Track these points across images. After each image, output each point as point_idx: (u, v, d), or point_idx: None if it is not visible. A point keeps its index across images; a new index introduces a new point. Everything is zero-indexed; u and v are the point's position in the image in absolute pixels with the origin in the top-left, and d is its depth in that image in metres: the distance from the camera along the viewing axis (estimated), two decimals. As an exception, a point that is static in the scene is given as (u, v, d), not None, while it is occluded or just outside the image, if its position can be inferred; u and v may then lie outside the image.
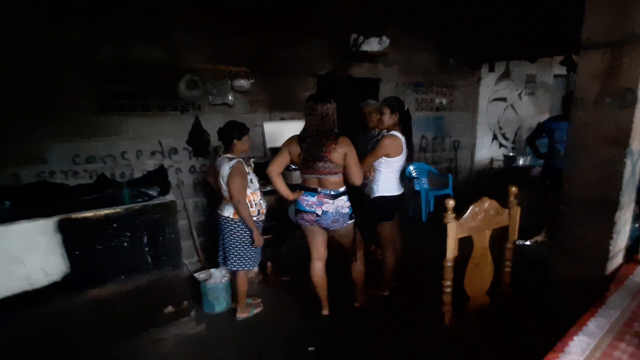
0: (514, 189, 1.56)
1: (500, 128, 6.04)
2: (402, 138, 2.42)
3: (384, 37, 3.88)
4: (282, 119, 3.69)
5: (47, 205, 1.97)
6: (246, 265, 2.44)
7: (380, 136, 2.65)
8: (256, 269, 3.01)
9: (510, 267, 1.63)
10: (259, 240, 2.36)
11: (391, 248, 2.55)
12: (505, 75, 5.82)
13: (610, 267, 1.37)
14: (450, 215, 1.39)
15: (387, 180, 2.44)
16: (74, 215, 1.98)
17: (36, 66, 2.49)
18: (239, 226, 2.36)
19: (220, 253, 2.50)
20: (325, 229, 2.26)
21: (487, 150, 5.97)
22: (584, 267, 1.40)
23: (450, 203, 1.39)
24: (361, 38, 3.79)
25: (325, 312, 2.46)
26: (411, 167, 4.77)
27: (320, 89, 3.93)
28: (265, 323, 2.48)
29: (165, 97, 3.02)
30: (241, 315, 2.56)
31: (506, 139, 6.17)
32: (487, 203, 1.49)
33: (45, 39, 2.48)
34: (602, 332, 0.99)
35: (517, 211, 1.56)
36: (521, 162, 4.91)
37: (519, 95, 6.16)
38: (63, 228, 1.95)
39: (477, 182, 5.61)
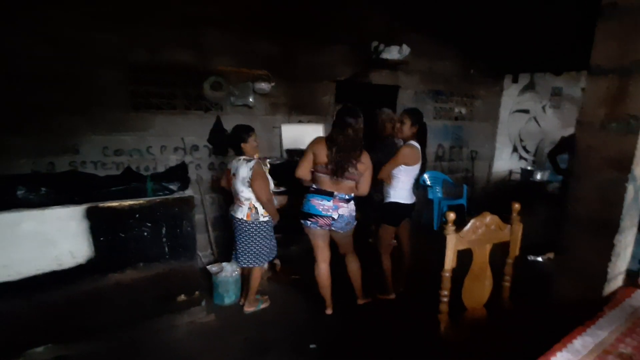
0: (516, 206, 1.59)
1: (522, 140, 5.94)
2: (419, 148, 2.48)
3: (404, 46, 3.92)
4: (300, 121, 3.79)
5: (78, 193, 2.14)
6: (258, 262, 2.56)
7: (397, 145, 2.75)
8: (266, 265, 3.13)
9: (510, 282, 1.66)
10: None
11: (388, 252, 2.62)
12: (530, 87, 5.72)
13: (608, 289, 1.39)
14: (450, 228, 1.44)
15: (402, 188, 2.51)
16: (101, 204, 2.14)
17: (77, 65, 2.69)
18: (252, 227, 2.47)
19: (234, 250, 2.62)
20: (333, 231, 2.34)
21: (506, 162, 5.88)
22: (583, 287, 1.42)
23: (451, 216, 1.44)
24: (382, 46, 3.85)
25: (329, 311, 2.55)
26: (426, 176, 4.77)
27: (340, 94, 4.02)
28: (271, 318, 2.58)
29: (191, 97, 3.18)
30: (249, 308, 2.68)
31: (527, 151, 6.05)
32: (489, 218, 1.53)
33: (87, 41, 2.68)
34: (586, 351, 1.03)
35: (519, 228, 1.59)
36: (539, 176, 4.83)
37: (543, 108, 6.02)
38: (91, 215, 2.11)
39: (493, 194, 5.54)
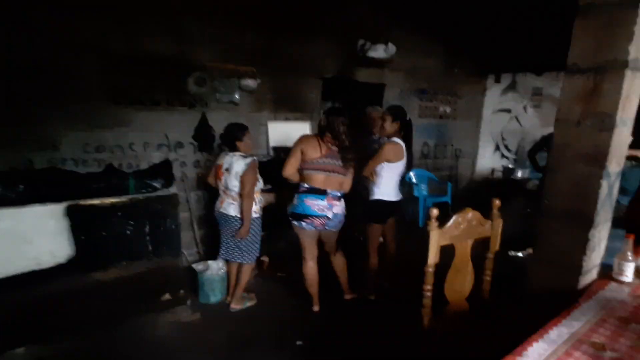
0: (497, 202, 1.63)
1: (503, 139, 6.07)
2: (403, 145, 2.50)
3: (390, 44, 3.95)
4: (286, 119, 3.78)
5: (57, 190, 2.08)
6: (250, 258, 2.55)
7: (381, 142, 2.76)
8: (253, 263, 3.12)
9: (491, 276, 1.70)
10: (246, 233, 2.44)
11: (376, 250, 2.64)
12: (511, 86, 5.84)
13: (583, 281, 1.44)
14: (433, 224, 1.47)
15: (386, 185, 2.53)
16: (81, 202, 2.10)
17: (54, 54, 2.59)
18: (236, 223, 2.45)
19: (222, 248, 2.60)
20: (324, 230, 2.35)
21: (488, 160, 6.01)
22: (558, 278, 1.47)
23: (434, 212, 1.47)
24: (368, 44, 3.87)
25: (316, 308, 2.56)
26: (411, 174, 4.83)
27: (326, 91, 4.02)
28: (258, 315, 2.58)
29: (174, 92, 3.12)
30: (235, 306, 2.66)
31: (508, 150, 6.18)
32: (470, 214, 1.57)
33: (64, 27, 2.58)
34: (561, 340, 1.07)
35: (499, 223, 1.63)
36: (520, 174, 4.95)
37: (524, 107, 6.16)
38: (71, 213, 2.06)
39: (476, 191, 5.66)
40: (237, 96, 3.36)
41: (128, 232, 2.25)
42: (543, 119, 6.14)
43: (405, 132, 2.52)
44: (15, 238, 1.93)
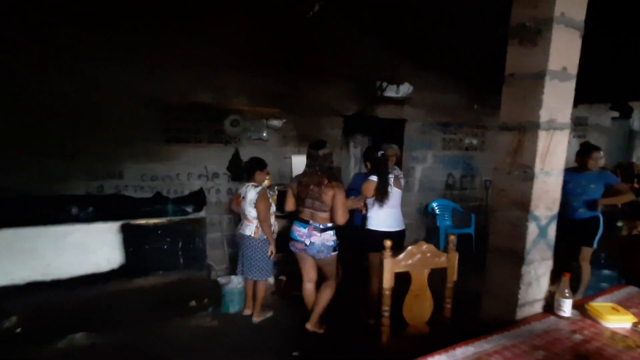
0: (452, 237, 1.85)
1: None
2: (375, 180, 2.76)
3: (407, 84, 4.27)
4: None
5: (116, 211, 2.71)
6: (263, 275, 2.96)
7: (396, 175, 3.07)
8: (271, 280, 3.52)
9: (451, 304, 1.89)
10: (274, 250, 2.88)
11: (376, 277, 2.86)
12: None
13: (521, 313, 1.59)
14: (387, 254, 1.75)
15: (374, 216, 2.81)
16: (132, 222, 2.69)
17: (124, 106, 3.36)
18: (258, 243, 2.89)
19: (239, 265, 3.05)
20: (313, 256, 2.67)
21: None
22: (500, 309, 1.64)
23: (388, 243, 1.75)
24: (385, 84, 4.23)
25: (308, 325, 2.80)
26: (434, 204, 4.95)
27: (347, 127, 4.43)
28: (267, 327, 2.95)
29: (213, 132, 3.76)
30: (257, 318, 3.05)
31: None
32: (425, 246, 1.81)
33: (127, 84, 3.33)
34: (462, 356, 1.28)
35: (454, 256, 1.84)
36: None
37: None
38: (124, 230, 2.67)
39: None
40: (264, 134, 3.92)
41: (165, 247, 2.80)
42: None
43: (380, 169, 2.75)
44: (83, 247, 2.57)
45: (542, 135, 1.47)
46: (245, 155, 3.87)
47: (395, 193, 2.83)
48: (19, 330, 2.48)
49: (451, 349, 1.32)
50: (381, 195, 2.69)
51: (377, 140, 4.61)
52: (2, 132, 2.94)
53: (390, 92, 4.24)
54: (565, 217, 3.35)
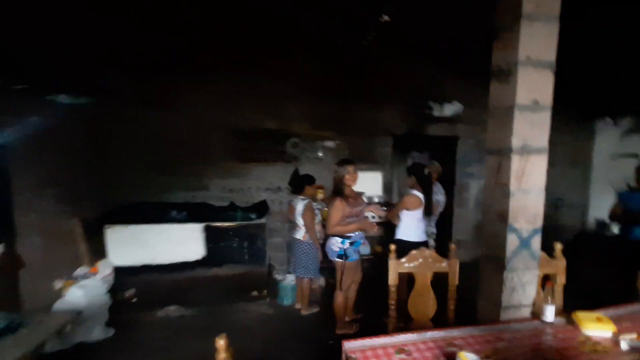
0: (453, 246, 2.12)
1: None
2: (421, 196, 3.06)
3: (456, 103, 4.43)
4: (361, 169, 4.65)
5: (201, 216, 3.55)
6: (308, 274, 3.49)
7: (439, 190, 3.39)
8: (322, 281, 4.02)
9: (454, 305, 2.13)
10: (320, 254, 3.39)
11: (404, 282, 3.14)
12: (637, 129, 5.13)
13: (506, 315, 1.79)
14: (391, 255, 2.11)
15: (406, 227, 3.11)
16: (212, 224, 3.50)
17: (208, 134, 4.30)
18: (305, 246, 3.45)
19: (291, 264, 3.63)
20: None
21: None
22: (489, 310, 1.86)
23: (392, 247, 2.12)
24: (434, 104, 4.46)
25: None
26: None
27: (397, 145, 4.75)
28: (313, 320, 3.44)
29: (278, 153, 4.49)
30: (304, 312, 3.59)
31: None
32: (427, 252, 2.12)
33: (211, 116, 4.26)
34: (429, 337, 1.58)
35: (455, 262, 2.10)
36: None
37: (663, 150, 5.24)
38: (206, 230, 3.48)
39: (586, 245, 5.04)
40: (320, 153, 4.50)
41: (234, 245, 3.53)
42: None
43: (424, 185, 3.04)
44: (178, 241, 3.44)
45: (516, 158, 1.70)
46: (304, 172, 4.51)
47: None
48: (135, 299, 3.43)
49: (423, 331, 1.64)
50: (427, 209, 2.99)
51: (431, 157, 4.81)
52: (131, 157, 4.09)
53: (439, 111, 4.45)
54: (623, 237, 3.16)
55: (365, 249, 4.00)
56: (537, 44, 1.64)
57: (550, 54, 1.67)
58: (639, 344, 1.50)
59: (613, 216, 3.45)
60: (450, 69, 4.55)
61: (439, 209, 3.51)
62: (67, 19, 3.27)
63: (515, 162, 1.71)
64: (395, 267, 2.11)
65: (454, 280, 2.13)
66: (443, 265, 2.12)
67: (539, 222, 1.79)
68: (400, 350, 1.49)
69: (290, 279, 3.78)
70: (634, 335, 1.55)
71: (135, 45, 3.76)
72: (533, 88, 1.67)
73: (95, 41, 3.54)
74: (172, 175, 4.26)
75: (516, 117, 1.68)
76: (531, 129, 1.70)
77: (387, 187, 4.80)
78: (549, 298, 1.73)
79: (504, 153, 1.75)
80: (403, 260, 2.11)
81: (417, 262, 2.11)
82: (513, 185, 1.72)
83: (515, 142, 1.69)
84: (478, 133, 4.84)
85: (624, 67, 4.41)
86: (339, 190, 2.98)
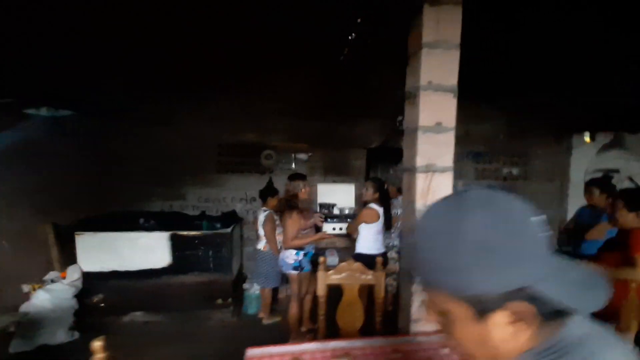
0: (379, 259, 2.18)
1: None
2: (379, 209, 3.14)
3: (427, 118, 4.50)
4: (334, 181, 4.77)
5: (169, 224, 3.69)
6: (268, 284, 3.58)
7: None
8: (289, 291, 4.10)
9: (381, 317, 2.19)
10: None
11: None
12: (615, 144, 5.12)
13: (415, 328, 1.85)
14: (321, 267, 2.20)
15: (364, 240, 3.18)
16: (178, 232, 3.63)
17: (189, 146, 4.48)
18: (266, 255, 3.55)
19: (254, 274, 3.73)
20: None
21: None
22: (404, 322, 1.92)
23: (321, 259, 2.20)
24: (401, 117, 4.54)
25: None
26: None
27: (371, 158, 4.84)
28: (272, 329, 3.52)
29: (253, 164, 4.64)
30: (266, 321, 3.67)
31: (623, 216, 5.21)
32: (355, 265, 2.19)
33: (192, 131, 4.45)
34: (331, 348, 1.66)
35: (381, 275, 2.15)
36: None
37: (645, 166, 5.20)
38: (172, 238, 3.61)
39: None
40: (293, 165, 4.63)
41: (200, 253, 3.65)
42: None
43: (382, 199, 3.13)
44: (146, 249, 3.58)
45: (421, 177, 1.79)
46: (277, 183, 4.63)
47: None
48: (102, 304, 3.57)
49: (326, 341, 1.72)
50: (387, 223, 3.12)
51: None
52: (111, 168, 4.28)
53: (411, 125, 4.53)
54: (573, 252, 3.17)
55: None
56: (438, 70, 1.74)
57: (451, 79, 1.76)
58: None
59: (564, 231, 3.46)
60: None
61: (398, 222, 3.59)
62: (48, 33, 3.49)
63: (420, 180, 1.79)
64: (324, 279, 2.19)
65: (380, 292, 2.19)
66: (369, 277, 2.19)
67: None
68: (294, 359, 1.57)
69: (255, 288, 3.88)
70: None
71: (115, 59, 3.98)
72: (436, 110, 1.77)
73: (76, 56, 3.76)
74: (151, 185, 4.44)
75: (420, 138, 1.77)
76: (435, 149, 1.79)
77: (359, 200, 4.88)
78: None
79: (411, 171, 1.84)
80: (330, 272, 2.20)
81: (345, 274, 2.19)
82: (419, 202, 1.80)
83: (420, 161, 1.78)
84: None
85: (602, 84, 4.44)
86: (294, 204, 3.08)
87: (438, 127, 1.78)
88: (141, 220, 3.64)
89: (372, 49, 4.18)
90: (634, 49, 3.45)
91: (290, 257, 3.06)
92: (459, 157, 4.78)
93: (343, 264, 2.21)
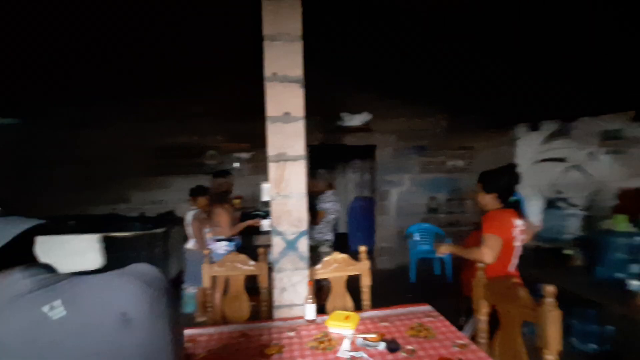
0: (261, 249, 2.21)
1: (559, 192, 5.25)
2: None
3: (365, 113, 4.57)
4: (278, 179, 4.80)
5: (103, 226, 3.73)
6: (198, 282, 3.61)
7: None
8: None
9: (267, 306, 2.21)
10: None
11: None
12: (561, 133, 5.17)
13: (279, 314, 1.89)
14: (206, 259, 2.24)
15: None
16: (109, 234, 3.67)
17: (131, 151, 4.53)
18: (194, 255, 3.58)
19: (186, 274, 3.76)
20: None
21: (540, 217, 5.26)
22: (269, 310, 1.96)
23: (205, 252, 2.24)
24: (344, 115, 4.60)
25: None
26: (413, 228, 4.92)
27: (315, 156, 4.88)
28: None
29: (196, 165, 4.68)
30: (199, 318, 3.70)
31: (573, 205, 5.26)
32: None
33: (137, 135, 4.50)
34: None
35: (264, 265, 2.17)
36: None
37: (591, 154, 5.25)
38: (103, 240, 3.66)
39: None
40: (235, 164, 4.68)
41: (134, 254, 3.69)
42: (633, 166, 5.06)
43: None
44: (77, 251, 3.62)
45: (273, 166, 1.84)
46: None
47: None
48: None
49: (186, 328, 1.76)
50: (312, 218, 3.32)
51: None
52: (57, 174, 4.34)
53: (351, 121, 4.59)
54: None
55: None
56: (282, 61, 1.79)
57: (296, 70, 1.81)
58: (366, 343, 1.58)
59: None
60: (361, 82, 4.70)
61: (328, 216, 3.63)
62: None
63: (273, 169, 1.84)
64: (208, 271, 2.23)
65: (265, 282, 2.23)
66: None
67: (303, 225, 1.89)
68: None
69: (191, 288, 3.91)
70: (370, 335, 1.63)
71: (59, 67, 4.03)
72: (283, 101, 1.81)
73: (22, 62, 3.80)
74: (101, 189, 4.49)
75: (269, 128, 1.82)
76: (285, 139, 1.83)
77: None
78: (309, 298, 1.83)
79: (266, 161, 1.88)
80: (214, 264, 2.24)
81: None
82: (273, 191, 1.84)
83: (271, 151, 1.83)
84: (395, 141, 4.95)
85: (544, 72, 4.49)
86: (223, 197, 3.35)
87: (287, 117, 1.83)
88: (71, 224, 3.68)
89: (310, 48, 4.26)
90: (570, 30, 3.49)
91: (221, 248, 3.24)
92: (403, 151, 4.88)
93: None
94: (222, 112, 4.60)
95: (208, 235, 3.59)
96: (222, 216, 3.26)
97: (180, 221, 4.10)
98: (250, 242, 4.07)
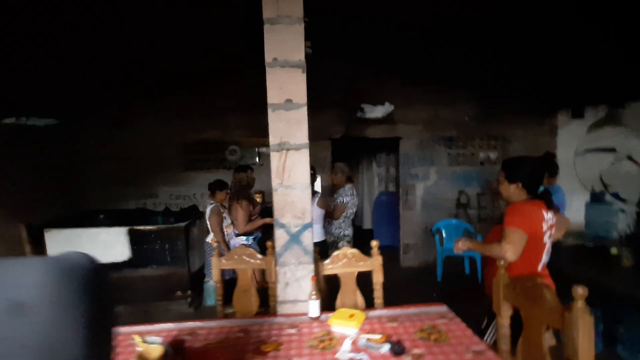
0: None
1: (606, 186, 4.75)
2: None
3: (387, 104, 4.37)
4: (299, 174, 4.75)
5: (128, 220, 3.88)
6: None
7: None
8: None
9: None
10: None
11: None
12: (609, 120, 4.67)
13: (282, 310, 1.81)
14: (215, 253, 2.22)
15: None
16: (135, 227, 3.80)
17: (158, 147, 4.68)
18: (212, 248, 3.62)
19: (207, 267, 3.82)
20: None
21: (580, 212, 4.79)
22: (274, 306, 1.90)
23: (214, 244, 2.23)
24: (366, 106, 4.44)
25: None
26: (440, 224, 4.68)
27: (336, 149, 4.78)
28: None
29: (218, 160, 4.75)
30: (228, 309, 3.74)
31: (622, 199, 4.75)
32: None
33: (159, 132, 4.64)
34: (176, 330, 1.68)
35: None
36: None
37: (647, 143, 4.70)
38: (130, 233, 3.79)
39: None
40: (257, 159, 4.68)
41: (157, 247, 3.80)
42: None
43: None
44: (107, 243, 3.79)
45: (275, 155, 1.76)
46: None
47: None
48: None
49: (180, 322, 1.74)
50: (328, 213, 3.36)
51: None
52: (91, 171, 4.58)
53: (372, 113, 4.42)
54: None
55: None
56: (283, 46, 1.70)
57: (298, 54, 1.71)
58: (369, 344, 1.47)
59: None
60: (385, 71, 4.51)
61: (348, 210, 3.52)
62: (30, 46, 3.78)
63: (275, 159, 1.76)
64: (217, 265, 2.22)
65: (271, 275, 2.17)
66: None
67: (308, 218, 1.80)
68: (138, 337, 1.61)
69: (212, 280, 3.96)
70: (375, 336, 1.52)
71: (95, 70, 4.23)
72: (285, 88, 1.73)
73: (61, 67, 4.03)
74: (129, 185, 4.69)
75: (270, 116, 1.74)
76: (288, 126, 1.75)
77: (326, 191, 4.82)
78: (313, 294, 1.74)
79: (270, 150, 1.81)
80: (223, 258, 2.22)
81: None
82: (275, 181, 1.77)
83: (273, 139, 1.75)
84: (421, 132, 4.72)
85: (587, 51, 4.07)
86: (243, 193, 3.36)
87: (288, 104, 1.74)
88: (102, 217, 3.85)
89: (332, 40, 4.14)
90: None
91: (240, 242, 3.25)
92: (429, 143, 4.64)
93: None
94: (246, 107, 4.60)
95: (227, 229, 3.62)
96: (238, 212, 3.29)
97: (202, 215, 4.19)
98: (271, 237, 4.06)
